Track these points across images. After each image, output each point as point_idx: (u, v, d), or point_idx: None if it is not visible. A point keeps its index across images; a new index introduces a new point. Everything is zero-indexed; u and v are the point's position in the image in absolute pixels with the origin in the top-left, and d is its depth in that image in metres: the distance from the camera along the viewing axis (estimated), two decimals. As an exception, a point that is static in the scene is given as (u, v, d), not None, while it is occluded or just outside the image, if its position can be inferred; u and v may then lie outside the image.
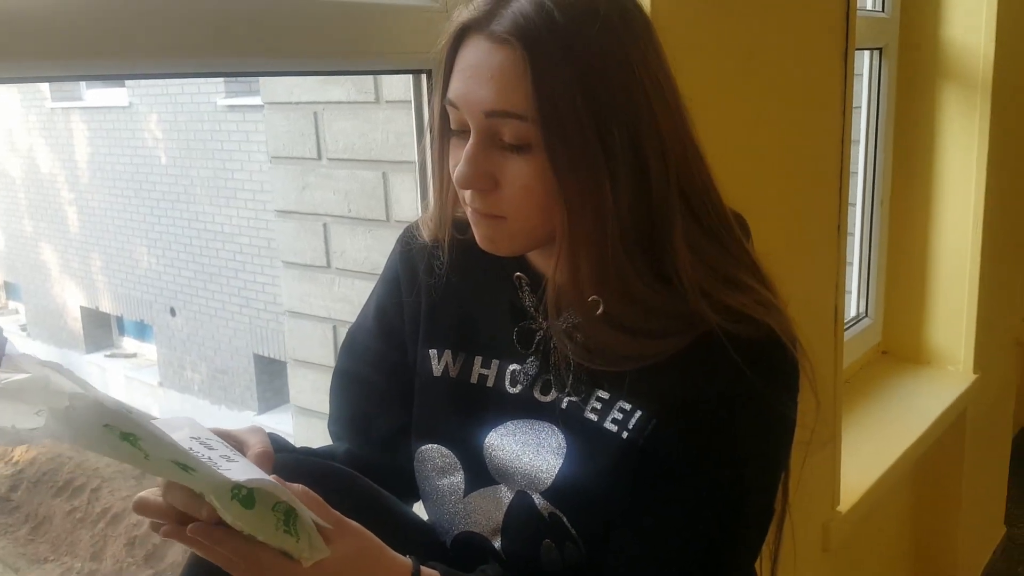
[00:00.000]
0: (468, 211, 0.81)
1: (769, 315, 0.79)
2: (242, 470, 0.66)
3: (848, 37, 1.40)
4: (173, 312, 8.58)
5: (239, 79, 7.41)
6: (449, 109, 0.78)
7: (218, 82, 7.47)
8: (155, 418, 0.69)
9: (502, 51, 0.72)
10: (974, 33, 2.01)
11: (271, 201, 6.45)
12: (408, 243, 0.95)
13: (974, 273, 2.11)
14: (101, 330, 9.79)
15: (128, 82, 8.34)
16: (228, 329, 8.02)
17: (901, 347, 2.25)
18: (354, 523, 0.72)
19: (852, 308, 2.22)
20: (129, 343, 9.75)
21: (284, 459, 0.83)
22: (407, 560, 0.74)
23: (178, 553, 6.67)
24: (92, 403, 0.60)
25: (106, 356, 9.57)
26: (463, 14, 0.76)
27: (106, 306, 9.41)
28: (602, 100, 0.72)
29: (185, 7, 0.82)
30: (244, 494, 0.64)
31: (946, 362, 2.19)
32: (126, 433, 0.61)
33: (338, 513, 0.71)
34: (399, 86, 1.22)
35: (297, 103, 1.32)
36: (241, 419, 7.69)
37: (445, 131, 0.81)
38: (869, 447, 1.78)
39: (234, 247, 7.77)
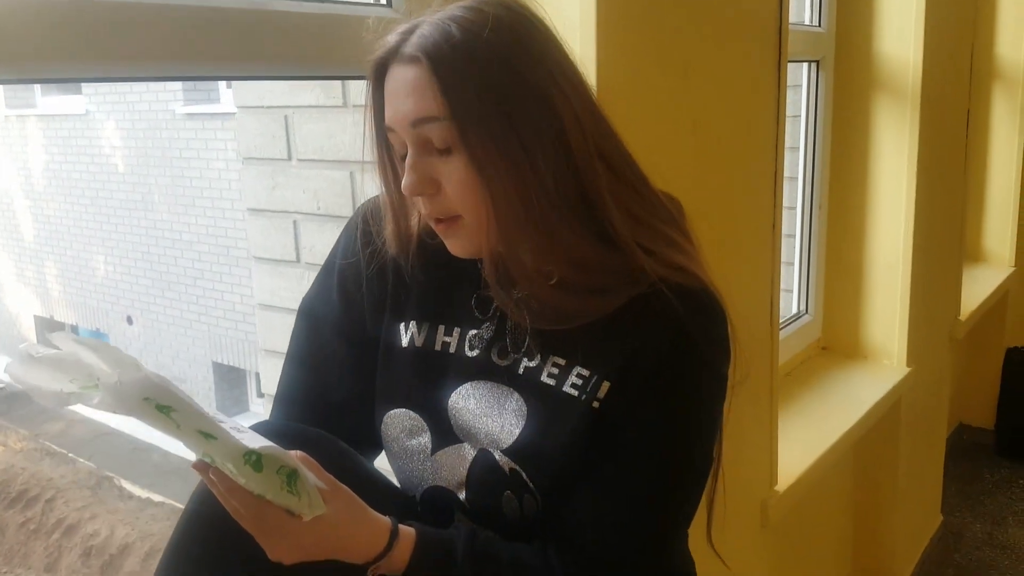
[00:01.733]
0: (433, 225, 0.91)
1: (702, 271, 0.90)
2: (251, 439, 0.75)
3: (781, 49, 1.52)
4: (130, 320, 8.52)
5: (198, 87, 7.41)
6: (390, 136, 0.89)
7: (176, 90, 7.47)
8: None
9: (413, 68, 0.84)
10: (904, 47, 2.14)
11: (230, 209, 6.46)
12: (368, 222, 1.01)
13: (906, 273, 2.24)
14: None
15: (85, 90, 8.28)
16: (186, 337, 7.99)
17: (839, 343, 2.37)
18: (344, 486, 0.82)
19: (793, 306, 2.34)
20: (85, 353, 9.63)
21: (274, 425, 0.92)
22: (387, 520, 0.85)
23: (135, 563, 6.59)
24: (138, 379, 0.69)
25: (61, 366, 9.44)
26: (378, 51, 0.87)
27: (61, 315, 9.30)
28: (506, 88, 0.83)
29: (165, 14, 0.89)
30: (254, 459, 0.74)
31: (882, 356, 2.32)
32: (162, 406, 0.70)
33: (331, 476, 0.81)
34: (365, 90, 1.30)
35: (268, 107, 1.39)
36: (200, 427, 7.64)
37: (384, 158, 0.92)
38: (807, 432, 1.90)
39: (192, 255, 7.74)
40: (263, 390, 1.54)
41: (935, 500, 2.90)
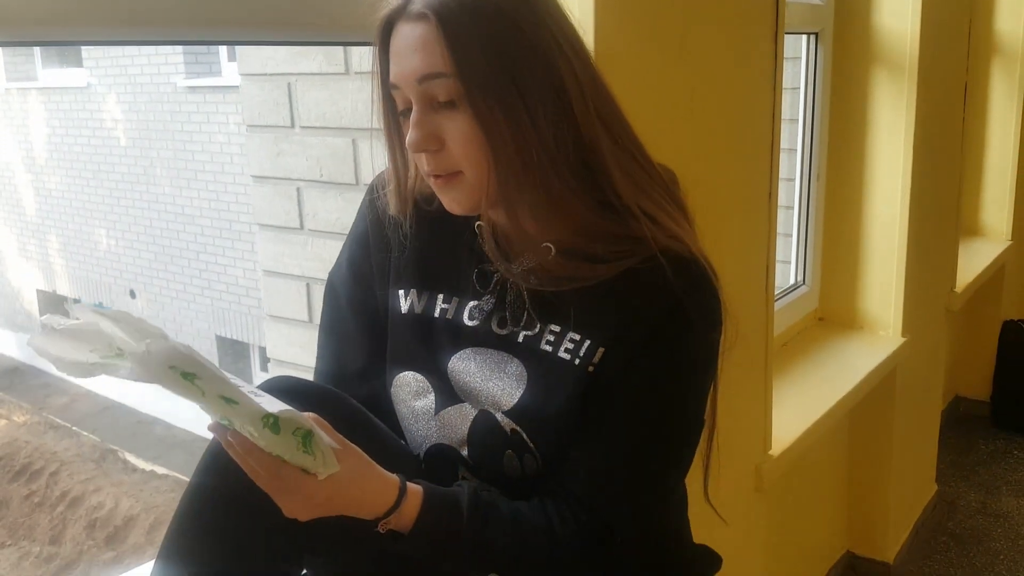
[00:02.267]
0: (431, 182, 0.93)
1: (694, 241, 0.93)
2: (269, 403, 0.77)
3: (778, 21, 1.53)
4: (133, 294, 8.54)
5: (199, 60, 7.39)
6: (394, 93, 0.90)
7: (178, 62, 7.44)
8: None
9: (420, 25, 0.86)
10: (902, 20, 2.15)
11: (232, 183, 6.43)
12: (374, 196, 1.06)
13: (903, 244, 2.26)
14: (58, 313, 9.68)
15: (87, 62, 8.25)
16: (190, 311, 8.01)
17: (836, 313, 2.40)
18: (354, 445, 0.84)
19: (790, 277, 2.37)
20: (88, 326, 9.65)
21: (289, 382, 0.95)
22: (396, 477, 0.88)
23: (140, 535, 6.67)
24: (165, 348, 0.71)
25: (64, 340, 9.47)
26: (384, 10, 0.89)
27: (64, 288, 9.32)
28: (512, 48, 0.85)
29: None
30: (272, 421, 0.77)
31: (877, 327, 2.34)
32: (187, 373, 0.72)
33: (342, 436, 0.84)
34: (367, 57, 1.31)
35: (272, 74, 1.41)
36: (203, 400, 7.69)
37: (390, 118, 0.94)
38: (803, 400, 1.93)
39: (195, 228, 7.75)
40: (269, 355, 1.57)
41: (930, 469, 2.93)
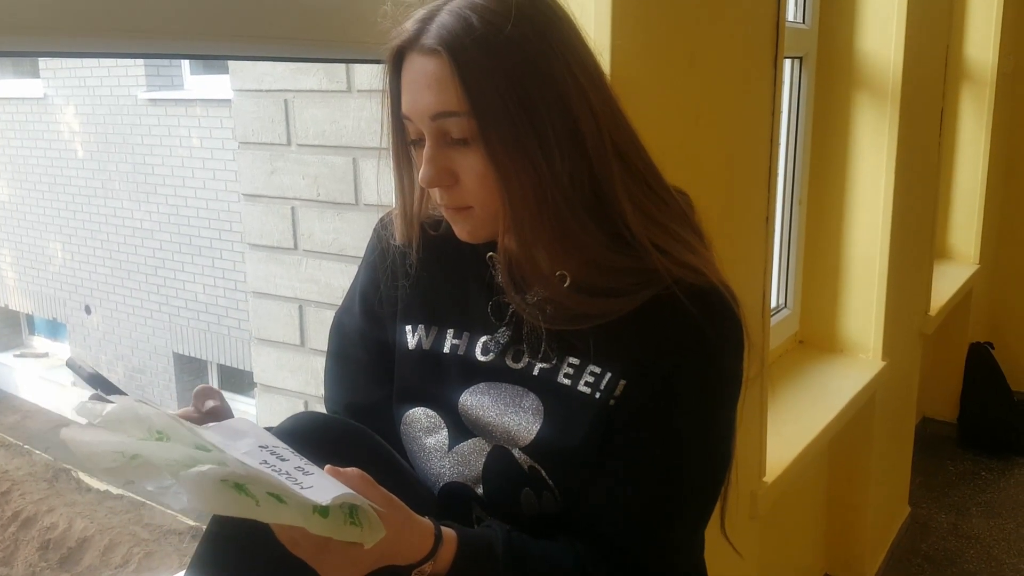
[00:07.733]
0: (443, 211, 0.92)
1: (714, 269, 0.91)
2: (319, 486, 0.72)
3: (778, 46, 1.53)
4: (88, 310, 8.34)
5: (160, 73, 7.27)
6: (406, 123, 0.89)
7: (139, 74, 7.31)
8: (214, 424, 0.77)
9: (433, 61, 0.84)
10: (885, 45, 2.17)
11: (193, 197, 6.28)
12: (381, 232, 1.05)
13: (883, 268, 2.28)
14: (10, 329, 9.43)
15: (43, 73, 8.08)
16: (146, 327, 7.84)
17: (817, 337, 2.41)
18: (392, 496, 0.80)
19: (772, 300, 2.37)
20: (40, 342, 9.42)
21: (313, 421, 0.92)
22: (429, 522, 0.84)
23: (94, 556, 6.48)
24: (217, 463, 0.67)
25: (15, 356, 9.23)
26: (396, 38, 0.87)
27: (16, 304, 9.08)
28: (527, 85, 0.83)
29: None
30: (321, 509, 0.71)
31: (858, 350, 2.36)
32: (239, 484, 0.67)
33: (383, 489, 0.79)
34: (370, 75, 1.28)
35: (268, 91, 1.37)
36: (160, 419, 7.52)
37: (399, 144, 0.92)
38: (790, 425, 1.92)
39: (153, 244, 7.60)
40: (256, 380, 1.52)
41: (903, 491, 2.96)
